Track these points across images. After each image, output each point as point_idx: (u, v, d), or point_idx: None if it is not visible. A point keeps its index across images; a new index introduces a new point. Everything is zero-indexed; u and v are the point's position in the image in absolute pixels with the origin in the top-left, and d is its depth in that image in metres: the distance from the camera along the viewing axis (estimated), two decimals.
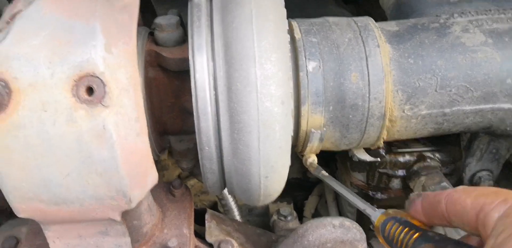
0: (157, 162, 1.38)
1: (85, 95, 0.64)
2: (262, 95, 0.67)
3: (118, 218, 0.75)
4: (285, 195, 1.49)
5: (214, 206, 1.49)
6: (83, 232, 0.79)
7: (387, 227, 0.69)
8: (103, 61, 0.64)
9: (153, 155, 0.88)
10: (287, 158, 0.75)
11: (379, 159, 0.98)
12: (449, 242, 0.59)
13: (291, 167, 1.46)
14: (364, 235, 0.98)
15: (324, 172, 0.87)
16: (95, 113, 0.64)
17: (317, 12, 0.98)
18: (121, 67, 0.66)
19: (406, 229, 0.64)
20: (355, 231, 0.96)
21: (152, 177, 0.76)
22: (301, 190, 1.50)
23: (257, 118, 0.68)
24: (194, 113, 0.71)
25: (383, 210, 0.73)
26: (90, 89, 0.64)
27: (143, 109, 0.71)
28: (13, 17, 0.68)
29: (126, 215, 0.80)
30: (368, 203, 0.77)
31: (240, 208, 1.35)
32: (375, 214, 0.73)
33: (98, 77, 0.64)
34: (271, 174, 0.74)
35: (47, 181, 0.68)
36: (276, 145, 0.71)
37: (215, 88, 0.70)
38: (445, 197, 0.60)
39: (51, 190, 0.69)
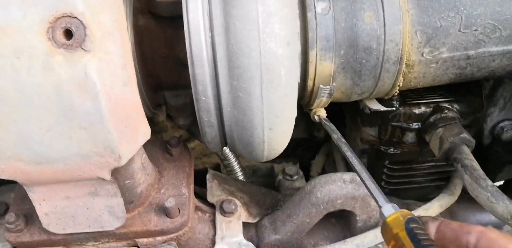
0: (153, 122, 1.31)
1: (62, 39, 0.57)
2: (265, 35, 0.59)
3: (108, 176, 0.68)
4: (290, 155, 1.43)
5: (216, 168, 1.43)
6: (71, 193, 0.73)
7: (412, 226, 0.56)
8: (82, 0, 0.56)
9: (146, 111, 0.81)
10: (293, 107, 0.68)
11: (394, 109, 0.90)
12: None
13: (296, 126, 1.40)
14: None
15: (336, 133, 0.76)
16: (75, 58, 0.57)
17: None
18: (104, 9, 0.59)
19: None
20: None
21: (143, 131, 0.69)
22: (307, 150, 1.43)
23: (259, 61, 0.60)
24: (188, 60, 0.63)
25: (396, 207, 0.57)
26: (68, 32, 0.57)
27: (131, 57, 0.63)
28: None
29: (117, 173, 0.73)
30: (382, 192, 0.60)
31: (243, 169, 1.29)
32: (388, 208, 0.56)
33: (77, 18, 0.56)
34: (275, 125, 0.67)
35: (25, 137, 0.61)
36: (281, 92, 0.63)
37: (211, 30, 0.62)
38: (478, 232, 0.52)
39: (31, 148, 0.62)
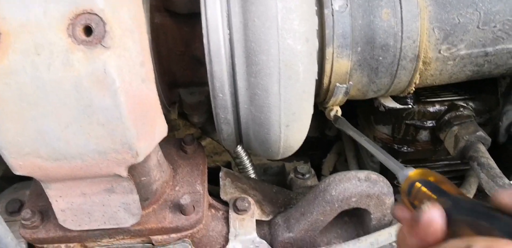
0: (167, 119, 1.31)
1: (82, 36, 0.57)
2: (284, 31, 0.59)
3: (124, 173, 0.68)
4: (301, 154, 1.42)
5: (227, 167, 1.43)
6: (87, 190, 0.73)
7: (414, 188, 0.58)
8: None
9: (162, 108, 0.81)
10: (311, 104, 0.68)
11: (409, 106, 0.89)
12: (482, 212, 0.50)
13: None
14: (391, 189, 0.91)
15: (349, 125, 0.78)
16: (95, 55, 0.57)
17: None
18: (124, 6, 0.59)
19: (435, 196, 0.54)
20: (382, 185, 0.89)
21: (160, 128, 0.69)
22: (319, 148, 1.43)
23: (277, 58, 0.60)
24: (206, 57, 0.63)
25: (411, 169, 0.60)
26: (88, 29, 0.57)
27: (149, 54, 0.63)
28: None
29: (133, 170, 0.73)
30: (395, 160, 0.67)
31: (255, 167, 1.29)
32: (403, 173, 0.60)
33: (97, 15, 0.56)
34: (292, 122, 0.67)
35: (44, 133, 0.62)
36: (299, 89, 0.63)
37: (229, 27, 0.62)
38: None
39: (50, 144, 0.62)
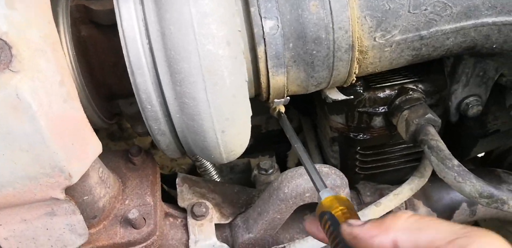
0: (121, 129, 1.29)
1: None
2: (202, 37, 0.57)
3: (61, 196, 0.67)
4: (267, 148, 1.41)
5: (193, 169, 1.41)
6: (27, 216, 0.71)
7: (324, 217, 0.58)
8: (4, 19, 0.54)
9: (99, 123, 0.79)
10: (245, 106, 0.66)
11: (352, 97, 0.88)
12: None
13: (270, 119, 1.37)
14: (345, 180, 0.90)
15: (288, 125, 0.77)
16: (4, 81, 0.55)
17: None
18: (32, 26, 0.56)
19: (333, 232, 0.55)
20: (335, 177, 0.88)
21: (93, 146, 0.67)
22: (283, 141, 1.41)
23: (198, 64, 0.58)
24: (128, 69, 0.61)
25: (333, 193, 0.61)
26: None
27: (68, 72, 0.61)
28: None
29: (73, 191, 0.71)
30: (321, 178, 0.65)
31: (219, 167, 1.27)
32: (324, 193, 0.61)
33: (1, 39, 0.54)
34: (228, 128, 0.65)
35: None
36: (227, 94, 0.61)
37: (148, 37, 0.59)
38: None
39: None
